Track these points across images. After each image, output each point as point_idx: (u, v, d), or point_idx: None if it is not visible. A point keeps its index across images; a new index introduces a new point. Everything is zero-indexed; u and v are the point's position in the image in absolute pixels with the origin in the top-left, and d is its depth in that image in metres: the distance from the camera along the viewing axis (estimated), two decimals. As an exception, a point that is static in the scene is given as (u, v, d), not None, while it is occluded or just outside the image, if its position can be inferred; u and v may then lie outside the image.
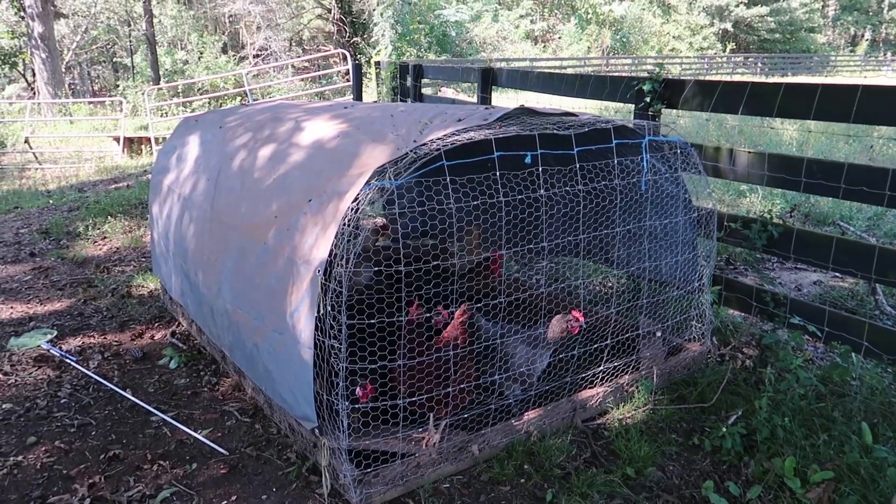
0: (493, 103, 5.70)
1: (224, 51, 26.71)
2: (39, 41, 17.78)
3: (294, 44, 30.69)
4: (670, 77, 3.94)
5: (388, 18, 20.37)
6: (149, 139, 13.31)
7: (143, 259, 5.75)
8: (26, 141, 13.36)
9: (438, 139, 2.56)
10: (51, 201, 8.46)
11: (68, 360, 3.82)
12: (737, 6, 40.11)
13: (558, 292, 3.89)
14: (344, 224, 2.39)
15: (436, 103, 6.13)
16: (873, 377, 3.25)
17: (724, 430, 2.91)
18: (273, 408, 3.12)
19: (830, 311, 3.34)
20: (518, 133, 2.71)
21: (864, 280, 4.17)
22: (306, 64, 26.73)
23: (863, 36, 50.49)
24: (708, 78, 15.69)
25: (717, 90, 3.62)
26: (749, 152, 3.60)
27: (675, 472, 2.83)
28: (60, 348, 3.99)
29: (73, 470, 2.87)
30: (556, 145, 2.97)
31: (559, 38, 36.85)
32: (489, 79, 6.14)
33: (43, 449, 3.02)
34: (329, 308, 2.38)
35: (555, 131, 2.79)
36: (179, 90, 19.92)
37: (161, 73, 23.68)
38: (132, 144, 13.35)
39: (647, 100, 3.92)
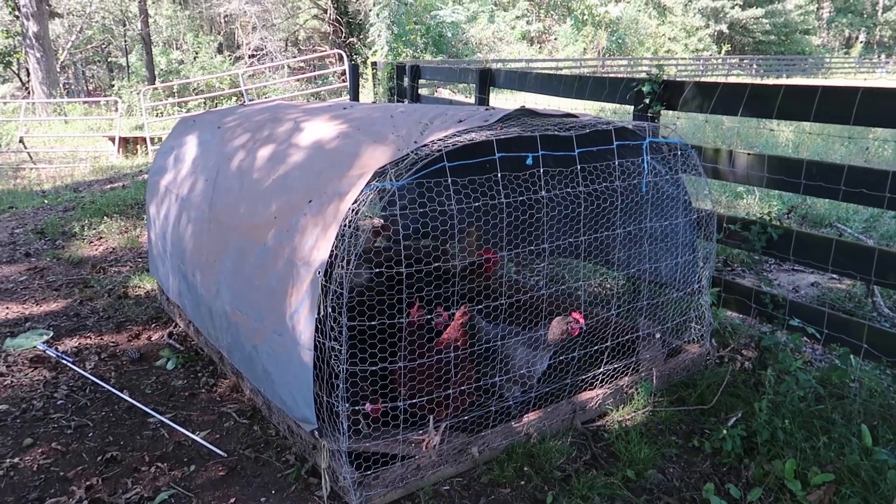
0: (491, 104, 5.69)
1: (220, 51, 26.65)
2: (34, 41, 17.71)
3: (290, 44, 30.62)
4: (669, 78, 3.94)
5: (384, 19, 20.38)
6: (144, 139, 13.26)
7: (140, 259, 5.72)
8: (21, 141, 13.28)
9: (440, 140, 2.55)
10: (46, 201, 8.42)
11: (65, 361, 3.79)
12: (732, 8, 40.25)
13: (558, 294, 3.89)
14: (344, 225, 2.37)
15: (434, 104, 6.12)
16: (872, 379, 3.26)
17: (724, 432, 2.91)
18: (272, 409, 3.11)
19: (830, 312, 3.34)
20: (519, 134, 2.70)
21: (863, 282, 4.18)
22: (302, 64, 26.65)
23: (857, 38, 50.71)
24: (704, 79, 15.73)
25: (717, 92, 3.61)
26: (748, 154, 3.60)
27: (676, 474, 2.83)
28: (56, 349, 3.96)
29: (70, 472, 2.85)
30: (557, 146, 2.96)
31: (555, 39, 36.91)
32: (487, 79, 6.13)
33: (39, 451, 3.00)
34: (329, 310, 2.37)
35: (556, 132, 2.79)
36: (175, 90, 19.86)
37: (156, 72, 23.65)
38: (127, 144, 13.29)
39: (647, 101, 3.92)
